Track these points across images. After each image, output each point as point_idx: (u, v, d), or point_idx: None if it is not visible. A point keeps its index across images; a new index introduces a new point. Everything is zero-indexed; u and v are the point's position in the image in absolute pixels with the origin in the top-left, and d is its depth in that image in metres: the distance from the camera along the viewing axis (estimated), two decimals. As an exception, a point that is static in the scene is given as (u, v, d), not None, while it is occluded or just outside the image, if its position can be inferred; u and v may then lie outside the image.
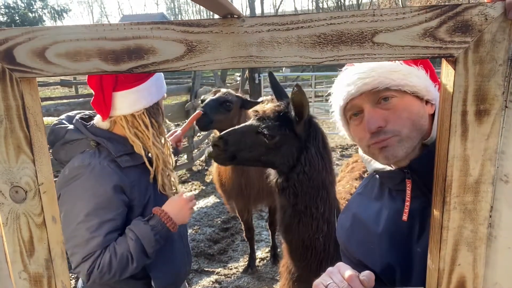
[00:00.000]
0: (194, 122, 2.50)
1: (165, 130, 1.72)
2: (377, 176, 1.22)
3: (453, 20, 0.65)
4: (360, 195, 1.29)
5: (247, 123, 1.86)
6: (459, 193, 0.72)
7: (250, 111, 1.91)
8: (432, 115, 1.09)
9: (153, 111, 1.62)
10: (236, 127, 1.89)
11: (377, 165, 1.18)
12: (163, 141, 1.69)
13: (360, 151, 1.24)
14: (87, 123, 1.61)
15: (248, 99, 3.63)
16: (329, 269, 0.93)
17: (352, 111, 1.10)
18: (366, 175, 1.33)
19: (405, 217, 1.06)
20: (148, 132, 1.59)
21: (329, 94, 1.21)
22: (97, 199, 1.45)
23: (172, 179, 1.75)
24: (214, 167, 3.92)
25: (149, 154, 1.65)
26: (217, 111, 3.29)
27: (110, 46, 0.68)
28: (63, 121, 1.63)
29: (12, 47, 0.68)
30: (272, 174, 1.88)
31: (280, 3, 53.02)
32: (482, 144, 0.70)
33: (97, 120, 1.62)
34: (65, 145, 1.56)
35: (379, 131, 1.02)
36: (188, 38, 0.68)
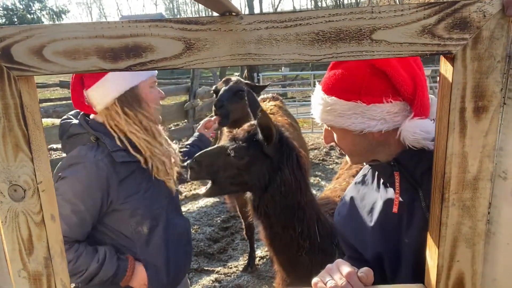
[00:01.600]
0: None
1: (146, 116, 1.66)
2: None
3: (452, 17, 0.65)
4: (358, 184, 1.34)
5: (219, 145, 1.91)
6: (457, 189, 0.72)
7: (226, 131, 1.96)
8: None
9: (126, 99, 1.61)
10: (208, 149, 1.94)
11: None
12: (144, 127, 1.65)
13: None
14: (90, 119, 1.67)
15: (257, 84, 3.74)
16: (328, 266, 0.93)
17: None
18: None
19: (395, 209, 1.12)
20: (121, 120, 1.60)
21: None
22: (80, 188, 1.53)
23: (165, 165, 1.70)
24: None
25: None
26: (233, 101, 3.37)
27: (108, 44, 0.68)
28: (71, 116, 1.72)
29: (10, 45, 0.67)
30: (247, 194, 1.88)
31: (279, 2, 52.95)
32: (481, 141, 0.70)
33: (94, 115, 1.67)
34: (69, 138, 1.64)
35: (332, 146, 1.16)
36: (186, 36, 0.68)
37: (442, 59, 0.73)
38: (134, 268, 1.63)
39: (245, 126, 1.89)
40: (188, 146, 2.23)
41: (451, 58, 0.69)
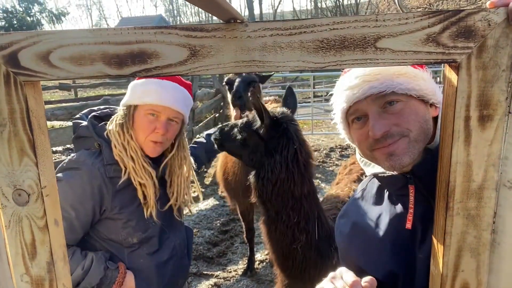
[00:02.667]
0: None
1: (131, 139, 1.59)
2: (376, 179, 1.19)
3: (456, 26, 0.65)
4: (358, 200, 1.25)
5: (239, 120, 2.13)
6: (462, 198, 0.72)
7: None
8: (435, 118, 1.06)
9: (125, 114, 1.60)
10: (228, 125, 2.21)
11: (377, 169, 1.15)
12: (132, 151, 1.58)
13: (357, 153, 1.21)
14: (99, 123, 1.65)
15: (263, 74, 3.90)
16: (331, 274, 0.92)
17: (355, 115, 1.07)
18: (364, 177, 1.28)
19: (409, 224, 1.02)
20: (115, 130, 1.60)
21: (328, 94, 1.19)
22: (72, 195, 1.50)
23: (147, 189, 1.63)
24: (219, 165, 3.94)
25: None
26: (248, 91, 3.52)
27: (113, 50, 0.68)
28: (84, 116, 1.71)
29: (17, 51, 0.68)
30: (251, 174, 2.01)
31: (279, 3, 53.12)
32: (485, 149, 0.69)
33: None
34: (77, 139, 1.65)
35: (385, 136, 0.99)
36: (191, 43, 0.68)
37: (447, 67, 0.73)
38: (124, 279, 1.58)
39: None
40: (192, 145, 2.32)
41: (455, 67, 0.68)
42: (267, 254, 4.34)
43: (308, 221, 1.80)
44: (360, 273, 1.11)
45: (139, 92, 1.57)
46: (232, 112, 3.63)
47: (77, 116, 1.72)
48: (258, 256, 4.36)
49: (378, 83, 0.98)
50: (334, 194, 2.42)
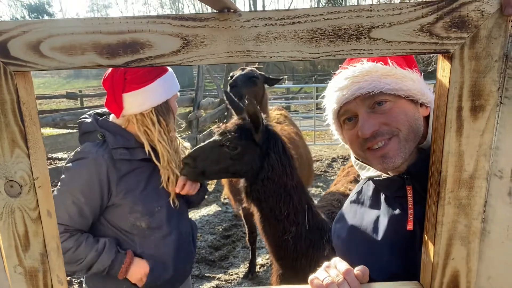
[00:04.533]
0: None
1: (175, 128, 1.81)
2: (371, 182, 1.19)
3: (450, 16, 0.65)
4: (354, 204, 1.25)
5: (210, 140, 1.99)
6: (453, 188, 0.73)
7: (215, 127, 2.07)
8: (427, 118, 1.07)
9: (161, 110, 1.73)
10: (201, 144, 2.01)
11: (372, 172, 1.15)
12: (170, 138, 1.77)
13: (352, 157, 1.22)
14: (101, 118, 1.78)
15: (270, 76, 3.89)
16: (325, 263, 0.93)
17: (345, 116, 1.09)
18: (360, 179, 1.29)
19: (410, 226, 1.01)
20: (154, 130, 1.71)
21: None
22: (80, 181, 1.63)
23: (176, 178, 1.79)
24: None
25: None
26: (246, 85, 3.51)
27: (105, 40, 0.68)
28: (87, 115, 1.85)
29: (6, 40, 0.67)
30: (241, 182, 2.00)
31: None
32: (477, 139, 0.70)
33: (113, 117, 1.79)
34: (82, 136, 1.79)
35: (374, 135, 1.01)
36: (184, 33, 0.67)
37: (440, 58, 0.73)
38: (131, 263, 1.68)
39: (233, 120, 2.04)
40: None
41: (448, 57, 0.69)
42: (268, 258, 4.40)
43: (297, 212, 1.87)
44: None
45: (164, 88, 1.72)
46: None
47: (82, 116, 1.86)
48: (259, 260, 4.40)
49: (366, 84, 1.00)
50: (330, 192, 2.47)
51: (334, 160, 8.44)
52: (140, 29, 0.67)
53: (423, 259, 0.85)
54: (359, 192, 1.25)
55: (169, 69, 1.76)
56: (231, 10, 0.67)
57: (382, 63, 1.04)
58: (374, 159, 1.04)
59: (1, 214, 0.73)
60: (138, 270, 1.70)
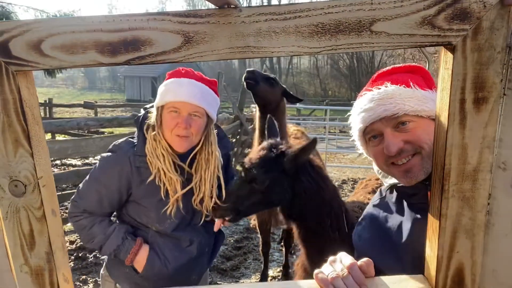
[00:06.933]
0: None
1: (162, 138, 1.69)
2: (394, 190, 1.23)
3: (452, 8, 0.65)
4: (377, 207, 1.29)
5: (237, 178, 1.93)
6: (457, 181, 0.73)
7: (238, 164, 2.00)
8: None
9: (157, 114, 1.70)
10: (230, 186, 1.97)
11: (395, 180, 1.20)
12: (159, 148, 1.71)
13: (374, 167, 1.28)
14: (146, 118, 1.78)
15: (290, 91, 3.81)
16: (331, 258, 0.93)
17: (371, 134, 1.17)
18: (378, 189, 1.34)
19: None
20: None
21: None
22: (105, 173, 1.71)
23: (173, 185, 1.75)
24: None
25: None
26: (264, 80, 3.48)
27: (106, 38, 0.68)
28: (142, 108, 1.88)
29: (8, 40, 0.67)
30: (278, 208, 1.97)
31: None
32: (480, 132, 0.70)
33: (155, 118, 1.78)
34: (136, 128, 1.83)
35: (399, 152, 1.09)
36: (185, 29, 0.67)
37: (442, 50, 0.72)
38: (138, 251, 1.74)
39: (254, 152, 1.97)
40: None
41: (451, 49, 0.68)
42: (279, 272, 4.42)
43: (338, 218, 1.86)
44: (379, 273, 1.13)
45: (162, 93, 1.67)
46: (256, 140, 3.50)
47: (146, 106, 1.88)
48: (270, 272, 4.40)
49: (391, 106, 1.10)
50: (350, 201, 2.49)
51: (344, 182, 8.54)
52: (140, 26, 0.67)
53: (427, 252, 0.85)
54: (383, 198, 1.29)
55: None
56: (232, 6, 0.67)
57: (405, 86, 1.12)
58: (398, 173, 1.12)
59: (6, 214, 0.74)
60: (142, 257, 1.74)
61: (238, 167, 1.96)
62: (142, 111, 1.83)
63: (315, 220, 1.83)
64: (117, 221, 1.87)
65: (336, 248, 1.77)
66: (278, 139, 1.95)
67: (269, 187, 1.83)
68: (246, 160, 1.93)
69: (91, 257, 4.37)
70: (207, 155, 1.77)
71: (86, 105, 18.03)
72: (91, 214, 1.73)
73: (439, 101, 0.76)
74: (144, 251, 1.75)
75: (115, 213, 1.87)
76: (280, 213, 1.95)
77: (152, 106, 1.79)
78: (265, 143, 1.95)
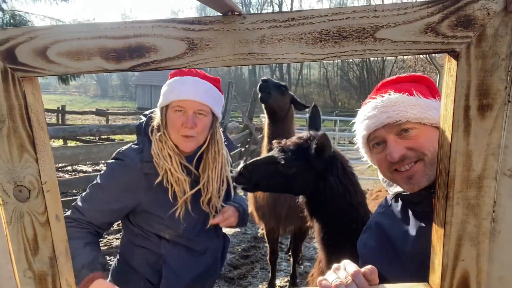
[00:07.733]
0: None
1: (168, 138, 1.66)
2: (399, 198, 1.24)
3: (455, 15, 0.65)
4: (382, 215, 1.29)
5: (269, 154, 1.99)
6: (462, 188, 0.72)
7: (274, 142, 2.05)
8: None
9: (162, 113, 1.67)
10: (259, 158, 2.04)
11: (400, 188, 1.20)
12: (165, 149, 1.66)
13: (379, 175, 1.29)
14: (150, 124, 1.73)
15: (299, 100, 3.91)
16: (335, 265, 0.93)
17: (374, 141, 1.19)
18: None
19: None
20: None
21: (350, 142, 1.26)
22: (110, 182, 1.64)
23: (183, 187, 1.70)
24: None
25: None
26: (276, 89, 3.56)
27: (111, 44, 0.68)
28: (142, 115, 1.83)
29: (14, 46, 0.68)
30: (300, 198, 1.99)
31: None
32: (485, 139, 0.70)
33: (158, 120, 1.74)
34: (137, 135, 1.78)
35: (402, 158, 1.10)
36: (189, 36, 0.68)
37: (446, 57, 0.72)
38: (88, 285, 1.45)
39: (294, 138, 2.01)
40: None
41: (455, 56, 0.68)
42: (287, 282, 4.41)
43: (364, 222, 1.86)
44: (383, 281, 1.13)
45: (165, 92, 1.63)
46: (265, 147, 3.59)
47: (146, 112, 1.83)
48: (277, 282, 4.38)
49: (394, 113, 1.11)
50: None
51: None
52: (145, 33, 0.68)
53: (432, 260, 0.84)
54: (388, 206, 1.29)
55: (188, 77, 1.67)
56: (236, 13, 0.67)
57: (408, 94, 1.13)
58: (401, 180, 1.13)
59: (10, 219, 0.74)
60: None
61: (274, 143, 2.02)
62: (143, 118, 1.78)
63: (340, 223, 1.83)
64: (122, 229, 1.80)
65: (356, 255, 1.78)
66: (318, 133, 1.93)
67: (294, 174, 1.87)
68: (283, 142, 1.98)
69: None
70: (214, 154, 1.73)
71: (98, 112, 18.23)
72: (80, 223, 1.58)
73: (443, 108, 0.75)
74: (100, 284, 1.45)
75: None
76: (302, 205, 1.97)
77: (152, 112, 1.77)
78: (305, 133, 1.98)
